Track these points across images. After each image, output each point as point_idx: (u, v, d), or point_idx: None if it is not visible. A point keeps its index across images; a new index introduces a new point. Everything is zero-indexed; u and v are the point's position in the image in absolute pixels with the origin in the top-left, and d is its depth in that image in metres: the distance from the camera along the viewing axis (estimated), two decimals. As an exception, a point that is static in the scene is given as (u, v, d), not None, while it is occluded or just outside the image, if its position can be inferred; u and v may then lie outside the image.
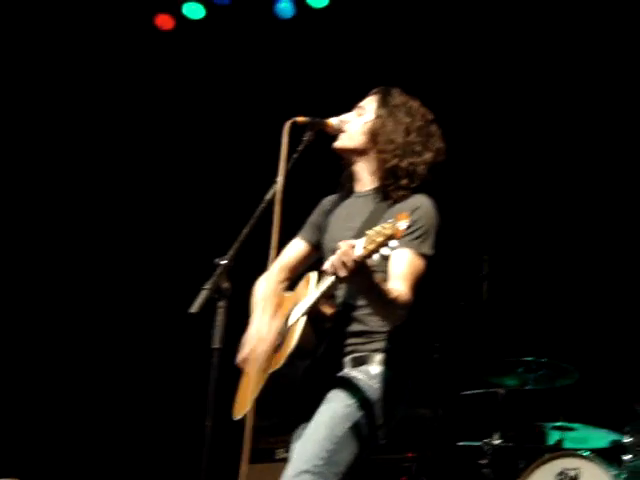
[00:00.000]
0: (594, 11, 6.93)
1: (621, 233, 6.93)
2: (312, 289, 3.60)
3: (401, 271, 3.52)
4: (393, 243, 3.07)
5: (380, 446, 3.67)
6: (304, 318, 3.53)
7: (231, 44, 7.87)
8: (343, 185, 4.01)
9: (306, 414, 3.60)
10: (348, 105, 4.00)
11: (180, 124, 8.17)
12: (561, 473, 5.56)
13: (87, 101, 8.01)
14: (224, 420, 3.56)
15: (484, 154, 7.31)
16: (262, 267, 3.68)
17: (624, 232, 6.91)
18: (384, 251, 3.08)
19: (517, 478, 5.67)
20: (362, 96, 4.02)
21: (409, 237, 3.54)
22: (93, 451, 7.74)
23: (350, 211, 3.85)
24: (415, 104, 3.90)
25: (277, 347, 3.65)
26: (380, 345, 3.63)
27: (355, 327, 3.65)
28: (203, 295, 3.21)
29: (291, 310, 3.70)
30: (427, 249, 3.60)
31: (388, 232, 3.05)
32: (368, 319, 3.62)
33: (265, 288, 3.86)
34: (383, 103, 3.88)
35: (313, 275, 3.67)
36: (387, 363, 3.61)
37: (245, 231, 3.45)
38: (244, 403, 3.70)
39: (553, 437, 5.99)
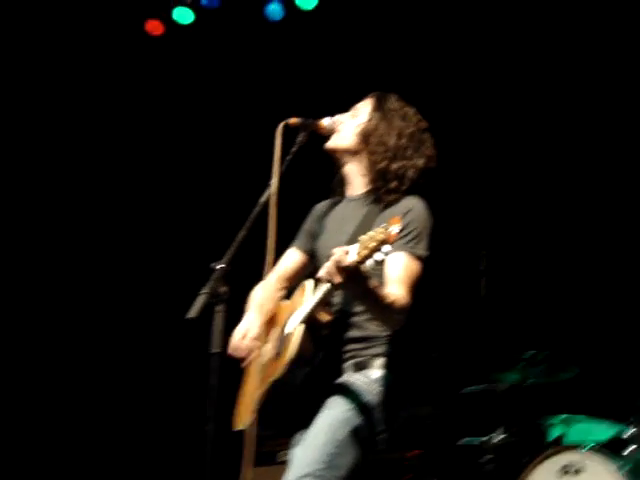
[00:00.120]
0: (594, 11, 6.92)
1: (619, 226, 6.92)
2: (308, 297, 3.59)
3: (397, 275, 3.51)
4: (386, 248, 3.07)
5: (385, 445, 3.67)
6: (301, 326, 3.51)
7: (221, 48, 7.87)
8: (335, 190, 4.01)
9: (305, 421, 3.59)
10: (339, 106, 4.00)
11: (173, 129, 8.17)
12: (565, 467, 5.56)
13: (79, 106, 8.00)
14: (225, 424, 3.56)
15: (481, 150, 7.31)
16: (259, 270, 3.66)
17: (622, 225, 6.91)
18: (377, 256, 3.07)
19: (521, 473, 5.67)
20: (353, 97, 4.02)
21: (403, 240, 3.55)
22: (95, 457, 7.74)
23: (343, 216, 3.85)
24: (410, 111, 3.90)
25: (275, 356, 3.64)
26: (380, 350, 3.63)
27: (354, 333, 3.64)
28: (201, 300, 3.21)
29: (288, 318, 3.68)
30: (422, 251, 3.60)
31: (381, 237, 3.05)
32: (367, 324, 3.61)
33: (261, 295, 3.84)
34: (378, 106, 3.88)
35: (309, 283, 3.66)
36: (387, 367, 3.61)
37: (241, 235, 3.45)
38: (244, 414, 3.71)
39: (556, 431, 5.98)
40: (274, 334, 3.76)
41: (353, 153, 3.85)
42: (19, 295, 7.87)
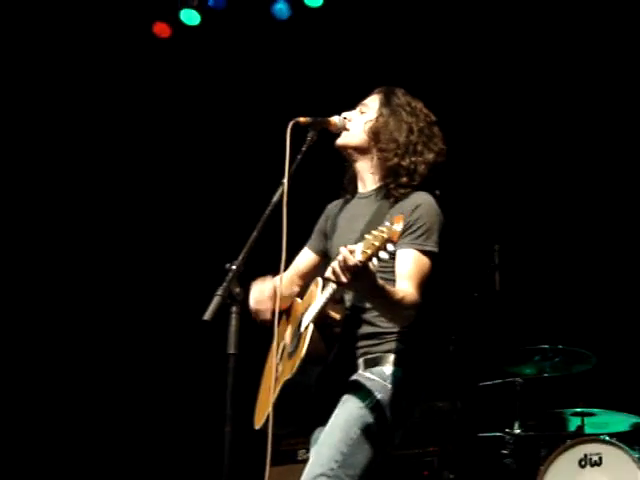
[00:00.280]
0: (594, 11, 6.90)
1: (633, 218, 6.90)
2: (319, 295, 3.60)
3: (407, 271, 3.50)
4: (390, 246, 3.06)
5: (401, 441, 3.66)
6: (312, 326, 3.52)
7: (228, 48, 7.88)
8: (347, 188, 4.00)
9: (322, 418, 3.60)
10: (348, 103, 4.00)
11: (183, 130, 8.19)
12: (583, 459, 5.56)
13: (88, 108, 8.04)
14: (244, 424, 3.57)
15: (494, 145, 7.29)
16: (272, 270, 3.67)
17: (636, 217, 6.88)
18: (382, 255, 3.08)
19: (539, 466, 5.67)
20: (361, 94, 4.01)
21: (412, 236, 3.55)
22: (113, 458, 7.76)
23: (353, 213, 3.85)
24: (419, 105, 3.88)
25: (289, 355, 3.65)
26: (392, 346, 3.61)
27: (366, 329, 3.64)
28: (216, 301, 3.20)
29: (302, 316, 3.69)
30: (431, 246, 3.57)
31: (385, 236, 3.05)
32: (379, 321, 3.61)
33: (278, 291, 3.77)
34: (386, 102, 3.86)
35: (319, 281, 3.66)
36: (401, 363, 3.59)
37: (254, 234, 3.44)
38: (262, 412, 3.73)
39: (573, 423, 5.98)
40: (289, 332, 3.76)
41: (363, 150, 3.84)
42: (33, 298, 7.90)
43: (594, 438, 5.65)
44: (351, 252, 3.11)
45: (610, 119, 7.06)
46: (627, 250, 6.89)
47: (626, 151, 6.99)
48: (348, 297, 3.67)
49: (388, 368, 3.58)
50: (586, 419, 5.87)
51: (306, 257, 4.05)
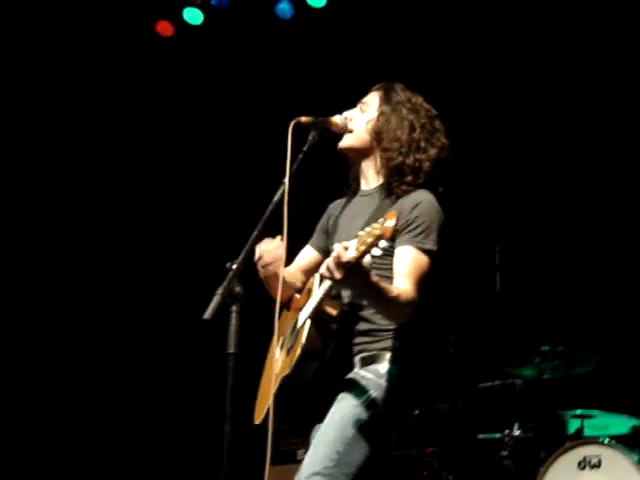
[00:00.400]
0: (594, 10, 6.90)
1: (634, 219, 6.89)
2: (316, 291, 3.59)
3: (405, 268, 3.50)
4: (383, 243, 3.07)
5: (400, 441, 3.66)
6: (308, 322, 3.53)
7: (231, 48, 7.88)
8: (350, 186, 4.00)
9: (320, 415, 3.60)
10: (350, 103, 3.99)
11: (185, 129, 8.19)
12: (582, 461, 5.55)
13: (91, 107, 8.04)
14: (244, 423, 3.57)
15: (494, 145, 7.29)
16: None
17: (636, 219, 6.88)
18: (375, 251, 3.09)
19: (539, 468, 5.66)
20: (363, 93, 4.01)
21: (411, 233, 3.55)
22: (113, 457, 7.76)
23: (355, 211, 3.84)
24: (419, 100, 3.87)
25: (288, 350, 3.65)
26: (389, 343, 3.60)
27: (363, 326, 3.63)
28: (216, 300, 3.19)
29: (299, 312, 3.70)
30: (430, 245, 3.56)
31: (377, 232, 3.05)
32: (375, 317, 3.60)
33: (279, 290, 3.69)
34: (386, 100, 3.85)
35: (318, 276, 3.65)
36: (397, 361, 3.58)
37: (254, 234, 3.44)
38: (261, 408, 3.72)
39: (573, 425, 5.97)
40: (287, 328, 3.77)
41: (366, 151, 3.84)
42: (31, 294, 7.90)
43: (593, 440, 5.64)
44: (345, 248, 3.11)
45: (610, 119, 7.05)
46: (627, 252, 6.89)
47: (627, 152, 6.99)
48: (346, 293, 3.68)
49: (384, 366, 3.58)
50: (586, 421, 5.86)
51: (308, 254, 4.05)
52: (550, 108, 7.22)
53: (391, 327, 3.60)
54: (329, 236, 3.97)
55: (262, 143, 6.96)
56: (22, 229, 7.92)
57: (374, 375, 3.56)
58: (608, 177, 7.03)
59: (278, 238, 3.70)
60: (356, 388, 3.55)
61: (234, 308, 3.25)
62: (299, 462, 5.58)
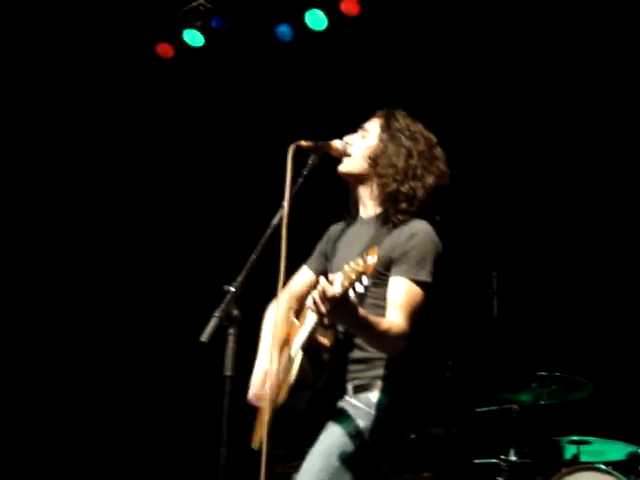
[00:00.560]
0: (595, 17, 6.92)
1: (631, 248, 6.90)
2: (309, 320, 3.57)
3: (397, 300, 3.49)
4: (365, 280, 3.07)
5: (396, 466, 3.65)
6: (300, 352, 3.53)
7: (231, 70, 7.90)
8: (350, 211, 4.00)
9: (313, 441, 3.58)
10: (349, 126, 4.00)
11: (184, 151, 8.21)
12: (579, 487, 5.54)
13: (92, 129, 8.06)
14: (240, 447, 3.56)
15: (492, 172, 7.30)
16: (271, 293, 3.66)
17: (635, 247, 6.88)
18: (358, 287, 3.09)
19: (535, 494, 5.65)
20: (363, 116, 4.02)
21: (406, 265, 3.54)
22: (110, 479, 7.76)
23: (353, 238, 3.84)
24: (418, 127, 3.87)
25: (283, 379, 3.65)
26: (381, 372, 3.59)
27: (357, 354, 3.63)
28: (213, 323, 3.19)
29: (295, 339, 3.70)
30: (424, 276, 3.55)
31: (360, 269, 3.05)
32: (368, 346, 3.58)
33: (274, 317, 3.80)
34: (386, 127, 3.86)
35: None
36: (388, 390, 3.58)
37: (253, 257, 3.44)
38: (260, 432, 3.71)
39: (569, 451, 5.96)
40: (283, 356, 3.76)
41: (364, 177, 3.84)
42: (41, 309, 7.91)
43: (590, 466, 5.62)
44: (330, 282, 3.10)
45: (605, 153, 7.06)
46: (624, 278, 6.89)
47: (623, 178, 7.00)
48: None
49: (374, 395, 3.57)
50: (582, 447, 5.85)
51: (304, 277, 4.04)
52: (544, 138, 7.23)
53: (384, 356, 3.59)
54: (327, 259, 3.97)
55: (262, 166, 6.97)
56: (27, 244, 7.93)
57: (364, 404, 3.56)
58: (604, 205, 7.03)
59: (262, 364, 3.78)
60: (345, 417, 3.55)
61: (231, 331, 3.25)
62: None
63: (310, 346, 3.53)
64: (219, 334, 3.21)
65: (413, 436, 5.99)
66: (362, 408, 3.55)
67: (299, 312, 3.90)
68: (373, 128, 3.91)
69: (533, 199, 7.22)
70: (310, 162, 3.71)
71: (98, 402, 7.86)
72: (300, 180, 3.63)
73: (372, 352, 3.59)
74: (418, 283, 3.54)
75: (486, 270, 6.59)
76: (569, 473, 5.61)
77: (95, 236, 8.14)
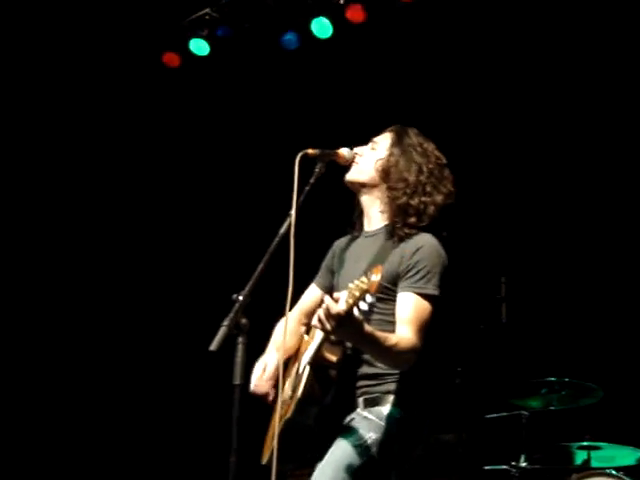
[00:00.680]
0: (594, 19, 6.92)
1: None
2: (317, 336, 3.59)
3: (406, 315, 3.50)
4: (369, 298, 3.08)
5: (406, 473, 3.65)
6: (307, 368, 3.54)
7: (237, 79, 7.92)
8: (355, 224, 4.00)
9: (323, 456, 3.59)
10: (356, 134, 4.02)
11: (192, 159, 8.23)
12: (589, 492, 5.52)
13: (99, 138, 8.09)
14: (249, 456, 3.56)
15: (501, 178, 7.29)
16: (279, 301, 3.65)
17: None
18: (362, 306, 3.10)
19: (546, 500, 5.64)
20: (369, 124, 4.03)
21: (413, 279, 3.55)
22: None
23: (359, 252, 3.85)
24: (430, 146, 3.88)
25: (291, 394, 3.65)
26: (392, 387, 3.60)
27: (366, 369, 3.63)
28: (222, 332, 3.19)
29: (303, 356, 3.70)
30: (431, 290, 3.56)
31: (364, 287, 3.07)
32: (377, 362, 3.59)
33: (282, 331, 3.75)
34: (398, 141, 3.87)
35: None
36: (399, 404, 3.58)
37: (261, 266, 3.44)
38: (268, 448, 3.73)
39: (580, 457, 5.95)
40: (293, 371, 3.77)
41: (372, 187, 3.84)
42: (47, 321, 7.92)
43: (600, 472, 5.60)
44: (336, 300, 3.12)
45: (619, 160, 7.04)
46: (632, 283, 6.87)
47: (632, 183, 6.98)
48: None
49: (386, 408, 3.58)
50: (592, 453, 5.83)
51: (313, 294, 4.05)
52: (552, 146, 7.22)
53: (394, 371, 3.60)
54: (334, 275, 3.97)
55: (269, 175, 6.98)
56: (29, 248, 7.96)
57: (376, 417, 3.56)
58: (611, 210, 7.02)
59: (266, 372, 3.78)
60: (355, 430, 3.55)
61: (240, 340, 3.24)
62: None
63: (317, 362, 3.54)
64: (228, 343, 3.21)
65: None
66: (374, 421, 3.55)
67: (309, 328, 3.91)
68: (384, 142, 3.91)
69: (541, 205, 7.21)
70: (317, 170, 3.71)
71: (108, 411, 7.86)
72: (307, 188, 3.62)
73: (381, 368, 3.60)
74: (426, 297, 3.55)
75: (494, 276, 6.59)
76: (580, 479, 5.59)
77: (105, 246, 8.17)
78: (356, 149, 3.91)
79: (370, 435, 3.52)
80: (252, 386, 3.81)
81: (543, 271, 7.09)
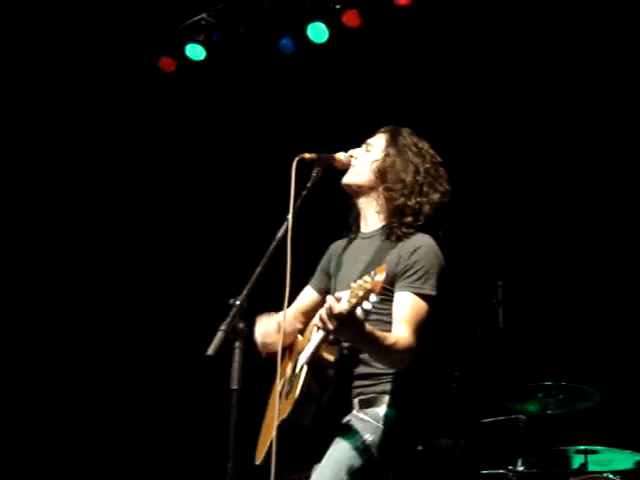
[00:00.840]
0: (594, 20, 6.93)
1: (637, 254, 6.89)
2: (314, 336, 3.59)
3: (403, 315, 3.51)
4: (373, 297, 3.09)
5: (403, 477, 3.65)
6: (305, 368, 3.54)
7: (233, 83, 7.92)
8: (350, 227, 4.01)
9: (320, 457, 3.59)
10: (352, 138, 4.01)
11: (188, 164, 8.22)
12: (587, 496, 5.52)
13: (95, 142, 8.09)
14: (247, 461, 3.55)
15: (496, 181, 7.30)
16: (276, 306, 3.67)
17: None
18: (365, 305, 3.11)
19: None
20: (365, 128, 4.03)
21: (410, 279, 3.56)
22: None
23: (356, 254, 3.85)
24: (425, 145, 3.89)
25: (287, 394, 3.65)
26: (388, 387, 3.60)
27: (362, 369, 3.64)
28: (219, 336, 3.18)
29: (299, 355, 3.70)
30: (429, 290, 3.57)
31: (368, 286, 3.08)
32: (375, 361, 3.60)
33: (283, 325, 3.69)
34: (393, 142, 3.87)
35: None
36: (395, 405, 3.58)
37: (258, 270, 3.44)
38: (262, 449, 3.74)
39: (577, 461, 5.95)
40: (288, 371, 3.77)
41: (369, 189, 3.85)
42: (46, 325, 7.93)
43: (598, 476, 5.61)
44: (338, 300, 3.12)
45: (617, 162, 7.05)
46: (629, 286, 6.88)
47: (631, 185, 6.99)
48: None
49: (382, 409, 3.58)
50: (590, 456, 5.83)
51: (308, 295, 4.05)
52: (548, 147, 7.23)
53: (390, 371, 3.60)
54: (330, 278, 3.97)
55: (266, 179, 6.98)
56: (32, 252, 7.96)
57: (372, 418, 3.56)
58: (608, 213, 7.02)
59: (274, 319, 3.77)
60: (353, 431, 3.55)
61: (237, 344, 3.24)
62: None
63: (315, 362, 3.54)
64: (225, 348, 3.20)
65: (420, 447, 5.98)
66: (370, 422, 3.55)
67: (303, 329, 3.91)
68: (378, 143, 3.92)
69: (537, 208, 7.22)
70: (314, 174, 3.72)
71: (106, 415, 7.85)
72: (304, 193, 3.63)
73: (377, 367, 3.60)
74: (423, 297, 3.55)
75: (491, 280, 6.59)
76: (577, 483, 5.60)
77: (104, 251, 8.17)
78: (351, 151, 3.91)
79: (367, 436, 3.52)
80: (258, 336, 3.80)
81: (540, 275, 7.09)
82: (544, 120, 7.24)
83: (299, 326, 3.95)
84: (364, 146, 3.94)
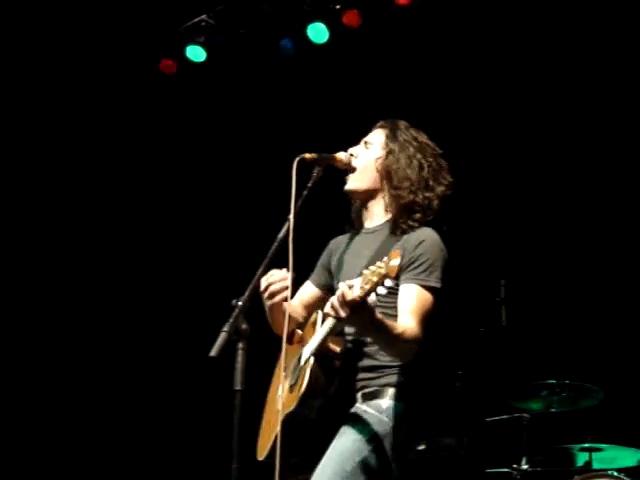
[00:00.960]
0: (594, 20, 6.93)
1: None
2: (319, 328, 3.60)
3: (409, 306, 3.52)
4: (388, 282, 3.10)
5: (407, 476, 3.65)
6: (312, 359, 3.54)
7: (234, 84, 7.92)
8: (352, 223, 4.01)
9: (324, 450, 3.59)
10: (353, 138, 4.01)
11: (189, 165, 8.23)
12: (591, 494, 5.52)
13: (96, 145, 8.09)
14: (251, 461, 3.55)
15: (499, 180, 7.29)
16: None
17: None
18: (380, 290, 3.12)
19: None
20: (366, 129, 4.03)
21: (415, 271, 3.57)
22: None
23: (359, 249, 3.85)
24: (424, 138, 3.90)
25: (291, 388, 3.65)
26: (391, 379, 3.62)
27: (366, 362, 3.65)
28: (222, 337, 3.18)
29: (302, 349, 3.70)
30: (434, 282, 3.58)
31: (383, 271, 3.07)
32: (378, 354, 3.62)
33: (286, 316, 3.64)
34: (393, 138, 3.87)
35: (320, 313, 3.66)
36: (399, 397, 3.59)
37: (260, 270, 3.45)
38: (265, 444, 3.72)
39: (581, 459, 5.95)
40: (290, 365, 3.76)
41: (375, 191, 3.86)
42: (48, 325, 7.93)
43: (602, 473, 5.60)
44: (350, 287, 3.13)
45: (619, 162, 7.04)
46: (633, 284, 6.87)
47: (633, 186, 6.98)
48: (349, 330, 3.68)
49: (385, 401, 3.59)
50: (594, 454, 5.83)
51: (308, 290, 4.05)
52: (552, 146, 7.23)
53: (394, 364, 3.61)
54: (332, 273, 3.97)
55: (266, 180, 6.98)
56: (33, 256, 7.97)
57: (375, 410, 3.58)
58: (611, 212, 7.02)
59: (284, 270, 3.67)
60: (357, 423, 3.57)
61: (240, 345, 3.24)
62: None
63: (322, 353, 3.53)
64: (228, 348, 3.20)
65: (424, 446, 5.99)
66: (373, 414, 3.57)
67: (302, 324, 3.91)
68: (377, 139, 3.92)
69: (541, 207, 7.21)
70: (315, 174, 3.72)
71: (109, 416, 7.85)
72: (305, 193, 3.63)
73: (381, 360, 3.62)
74: (428, 289, 3.57)
75: (494, 279, 6.59)
76: (582, 481, 5.59)
77: (106, 252, 8.17)
78: (350, 150, 3.92)
79: (370, 429, 3.53)
80: (264, 281, 3.66)
81: (543, 273, 7.09)
82: (547, 119, 7.23)
83: (300, 319, 3.95)
84: (362, 143, 3.94)
